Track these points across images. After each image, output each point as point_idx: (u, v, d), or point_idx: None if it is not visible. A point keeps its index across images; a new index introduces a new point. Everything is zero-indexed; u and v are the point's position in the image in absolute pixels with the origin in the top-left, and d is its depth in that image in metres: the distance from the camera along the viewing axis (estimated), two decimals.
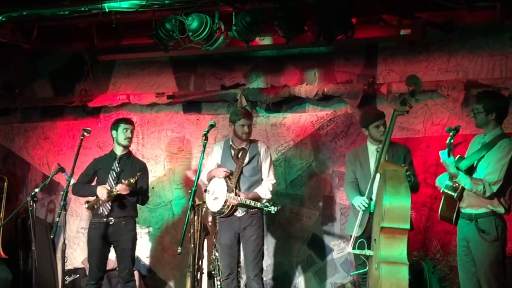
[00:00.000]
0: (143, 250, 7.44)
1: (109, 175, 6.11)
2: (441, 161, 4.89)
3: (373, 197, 5.35)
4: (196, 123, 7.38)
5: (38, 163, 7.86)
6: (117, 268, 6.30)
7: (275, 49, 7.10)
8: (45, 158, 7.83)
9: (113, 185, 6.01)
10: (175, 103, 7.39)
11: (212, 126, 5.54)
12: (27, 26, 6.71)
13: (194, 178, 5.47)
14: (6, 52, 7.31)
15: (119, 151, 6.23)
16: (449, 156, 4.83)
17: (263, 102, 7.08)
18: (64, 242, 5.54)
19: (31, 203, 5.60)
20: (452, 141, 4.83)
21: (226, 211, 5.84)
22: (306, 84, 6.94)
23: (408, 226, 4.92)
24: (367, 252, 5.18)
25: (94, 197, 5.97)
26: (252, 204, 5.77)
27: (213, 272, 6.43)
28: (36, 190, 5.66)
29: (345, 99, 6.87)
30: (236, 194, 5.80)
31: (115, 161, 6.18)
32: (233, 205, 5.84)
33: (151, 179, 7.42)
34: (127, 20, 6.44)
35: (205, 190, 6.02)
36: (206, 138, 5.33)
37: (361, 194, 5.61)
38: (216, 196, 5.89)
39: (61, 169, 5.85)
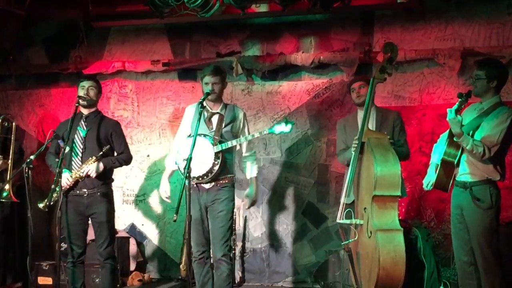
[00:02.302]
0: (139, 217, 7.48)
1: (76, 135, 5.75)
2: (447, 119, 4.88)
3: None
4: (191, 90, 7.37)
5: (33, 130, 7.85)
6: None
7: (271, 16, 7.06)
8: (40, 125, 7.81)
9: (80, 147, 5.71)
10: (170, 70, 7.36)
11: (207, 94, 5.38)
12: None
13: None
14: (0, 18, 7.24)
15: (84, 110, 5.83)
16: (456, 115, 4.84)
17: (258, 70, 7.06)
18: (59, 209, 5.52)
19: (26, 170, 5.58)
20: (462, 106, 4.85)
21: (214, 171, 5.31)
22: (302, 52, 6.92)
23: (399, 193, 4.94)
24: (357, 221, 5.18)
25: (50, 196, 5.54)
26: (257, 135, 5.42)
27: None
28: (32, 157, 5.62)
29: (341, 67, 6.85)
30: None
31: (81, 120, 5.81)
32: (221, 163, 5.32)
33: (146, 146, 7.45)
34: None
35: (178, 163, 5.46)
36: (202, 106, 5.24)
37: None
38: (200, 158, 5.27)
39: (56, 137, 5.80)
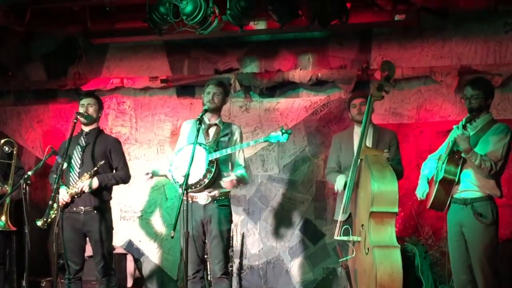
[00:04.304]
0: (136, 234, 7.46)
1: (75, 151, 5.78)
2: (455, 135, 4.91)
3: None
4: (189, 107, 7.38)
5: (31, 146, 7.84)
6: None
7: (269, 33, 7.08)
8: (38, 141, 7.81)
9: (79, 161, 5.72)
10: (168, 87, 7.38)
11: (206, 110, 5.37)
12: (20, 8, 6.67)
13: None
14: None
15: (85, 128, 5.88)
16: (463, 131, 4.87)
17: (256, 87, 7.08)
18: (57, 225, 5.51)
19: (24, 186, 5.58)
20: (472, 122, 4.94)
21: (207, 180, 5.23)
22: (300, 69, 6.94)
23: (396, 209, 4.95)
24: (354, 238, 5.18)
25: (47, 214, 5.55)
26: (252, 143, 5.41)
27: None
28: (29, 173, 5.63)
29: (339, 84, 6.88)
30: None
31: (81, 136, 5.85)
32: (215, 172, 5.26)
33: (144, 163, 7.44)
34: (120, 3, 6.41)
35: (170, 170, 5.40)
36: (201, 123, 5.24)
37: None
38: (193, 166, 5.08)
39: (54, 153, 5.80)
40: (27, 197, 5.60)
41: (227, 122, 5.70)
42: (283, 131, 5.20)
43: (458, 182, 5.04)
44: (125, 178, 5.93)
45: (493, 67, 6.39)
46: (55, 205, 5.58)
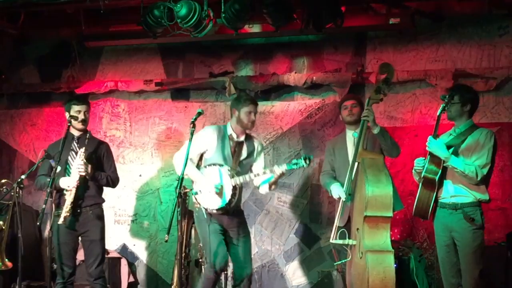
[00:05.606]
0: (130, 238, 7.43)
1: (69, 156, 5.72)
2: (429, 148, 4.89)
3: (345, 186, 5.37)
4: (184, 110, 7.36)
5: (24, 149, 7.81)
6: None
7: (264, 37, 7.09)
8: (32, 145, 7.78)
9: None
10: (163, 90, 7.36)
11: (200, 113, 5.32)
12: (14, 11, 6.65)
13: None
14: None
15: (75, 132, 5.82)
16: (436, 139, 4.86)
17: (251, 90, 7.07)
18: (50, 229, 5.48)
19: (17, 190, 5.54)
20: (445, 108, 4.92)
21: (234, 201, 5.41)
22: (295, 72, 6.94)
23: (391, 214, 4.93)
24: (349, 241, 5.18)
25: (65, 207, 5.46)
26: (279, 171, 5.28)
27: (200, 260, 6.41)
28: (23, 176, 5.61)
29: (334, 87, 6.88)
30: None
31: (73, 141, 5.78)
32: (239, 196, 5.47)
33: (139, 166, 7.42)
34: (115, 6, 6.39)
35: (195, 193, 5.46)
36: (194, 126, 5.20)
37: (339, 182, 5.64)
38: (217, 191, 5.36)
39: (48, 156, 5.77)
40: (20, 201, 5.58)
41: (250, 137, 5.73)
42: (305, 156, 5.26)
43: (441, 185, 5.02)
44: (115, 181, 5.94)
45: (488, 71, 6.40)
46: (68, 199, 5.51)
